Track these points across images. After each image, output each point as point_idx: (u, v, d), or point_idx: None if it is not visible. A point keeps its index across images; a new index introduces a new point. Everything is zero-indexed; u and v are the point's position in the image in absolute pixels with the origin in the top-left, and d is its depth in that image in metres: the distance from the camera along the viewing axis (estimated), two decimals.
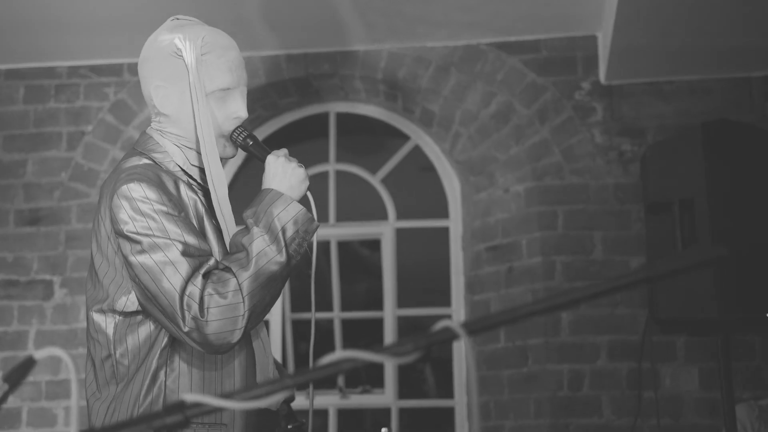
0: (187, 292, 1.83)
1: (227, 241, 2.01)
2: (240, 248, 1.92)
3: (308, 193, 2.03)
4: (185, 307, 1.83)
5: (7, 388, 1.08)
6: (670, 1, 3.42)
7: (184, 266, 1.85)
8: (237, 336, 1.86)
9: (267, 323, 4.38)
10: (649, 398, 3.81)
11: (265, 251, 1.89)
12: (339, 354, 1.08)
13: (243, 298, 1.84)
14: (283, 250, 1.90)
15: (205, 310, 1.82)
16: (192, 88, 2.00)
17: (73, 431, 0.98)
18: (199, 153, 2.05)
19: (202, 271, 1.86)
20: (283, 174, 1.98)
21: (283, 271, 1.91)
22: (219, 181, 2.01)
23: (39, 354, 1.08)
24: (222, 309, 1.83)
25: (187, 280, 1.84)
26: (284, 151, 2.05)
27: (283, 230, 1.91)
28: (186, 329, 1.83)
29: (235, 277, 1.86)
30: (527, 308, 1.09)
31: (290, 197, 1.95)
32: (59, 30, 4.06)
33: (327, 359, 1.08)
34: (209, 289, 1.84)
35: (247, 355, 2.02)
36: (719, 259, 1.10)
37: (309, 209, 1.99)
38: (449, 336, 1.08)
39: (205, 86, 2.00)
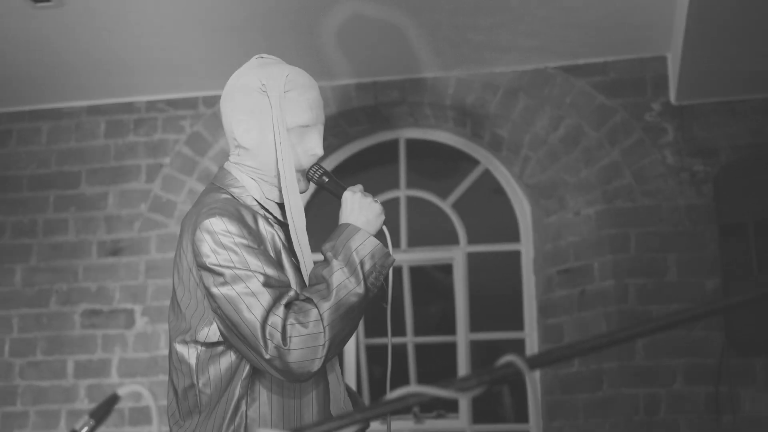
0: (269, 322, 1.88)
1: (305, 273, 2.06)
2: (320, 280, 1.97)
3: (384, 228, 2.08)
4: (268, 336, 1.87)
5: (93, 424, 1.14)
6: (739, 19, 3.39)
7: (265, 297, 1.90)
8: (317, 365, 1.90)
9: (341, 352, 4.44)
10: (727, 422, 3.75)
11: (344, 283, 1.93)
12: (406, 389, 1.12)
13: (324, 328, 1.89)
14: (362, 282, 1.95)
15: (288, 339, 1.87)
16: (275, 122, 2.06)
17: None
18: (275, 187, 2.12)
19: (284, 301, 1.91)
20: (360, 209, 2.03)
21: (362, 303, 1.96)
22: (298, 214, 2.07)
23: (123, 390, 1.14)
24: (304, 338, 1.88)
25: (269, 310, 1.89)
26: (359, 186, 2.11)
27: (362, 263, 1.95)
28: (268, 357, 1.87)
29: (317, 307, 1.91)
30: (588, 343, 1.12)
31: (367, 232, 2.01)
32: (137, 66, 4.21)
33: (395, 394, 1.12)
34: (291, 319, 1.89)
35: (323, 386, 2.07)
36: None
37: (385, 243, 2.04)
38: (512, 371, 1.11)
39: (286, 122, 2.07)
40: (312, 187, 2.17)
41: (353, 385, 4.38)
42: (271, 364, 1.88)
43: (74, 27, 3.83)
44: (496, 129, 4.37)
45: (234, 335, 1.93)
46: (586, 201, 4.18)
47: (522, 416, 4.42)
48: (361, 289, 1.95)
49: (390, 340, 2.14)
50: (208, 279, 1.95)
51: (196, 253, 1.97)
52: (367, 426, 2.36)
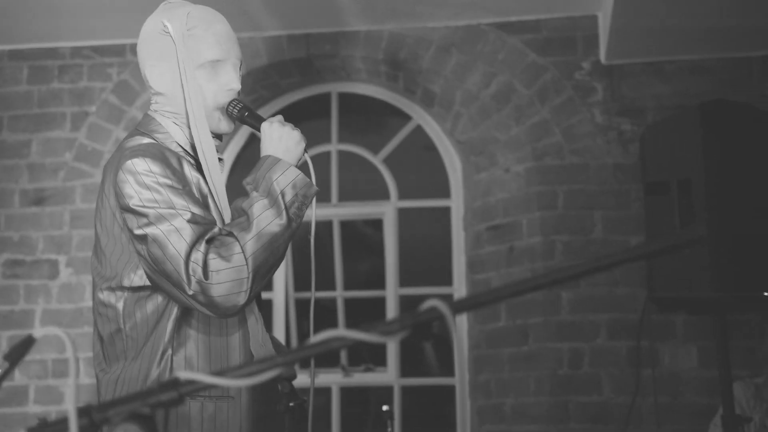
0: (192, 258, 1.86)
1: (222, 212, 2.04)
2: (241, 213, 1.96)
3: (306, 156, 2.06)
4: (191, 272, 1.86)
5: (8, 367, 1.11)
6: None
7: (188, 233, 1.88)
8: (243, 298, 1.89)
9: (269, 302, 4.43)
10: (647, 376, 3.85)
11: (265, 214, 1.92)
12: (328, 333, 1.11)
13: (246, 260, 1.88)
14: (284, 212, 1.93)
15: (210, 273, 1.85)
16: (179, 61, 2.03)
17: (71, 408, 1.02)
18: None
19: (207, 237, 1.89)
20: (279, 139, 2.01)
21: (285, 233, 1.94)
22: (210, 152, 2.04)
23: (38, 332, 1.12)
24: (226, 272, 1.86)
25: (192, 246, 1.87)
26: (279, 117, 2.09)
27: (282, 194, 1.94)
28: (191, 292, 1.86)
29: (237, 240, 1.89)
30: (508, 289, 1.12)
31: (287, 162, 1.99)
32: (62, 11, 4.09)
33: (317, 338, 1.12)
34: (212, 254, 1.87)
35: (243, 330, 2.06)
36: (699, 240, 1.13)
37: (308, 173, 2.02)
38: (436, 315, 1.11)
39: (194, 60, 2.04)
40: (243, 135, 2.14)
41: (282, 340, 4.37)
42: (196, 299, 1.87)
43: None
44: (428, 84, 4.37)
45: (158, 274, 1.91)
46: (515, 158, 4.21)
47: (448, 370, 4.47)
48: (283, 219, 1.93)
49: (313, 285, 2.13)
50: (132, 221, 1.93)
51: (119, 195, 1.94)
52: (294, 376, 2.36)
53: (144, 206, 1.90)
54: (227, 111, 2.08)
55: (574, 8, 4.14)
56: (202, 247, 1.87)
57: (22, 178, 4.32)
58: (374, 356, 4.49)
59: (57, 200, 4.28)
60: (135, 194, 1.91)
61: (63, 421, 1.04)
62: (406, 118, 4.64)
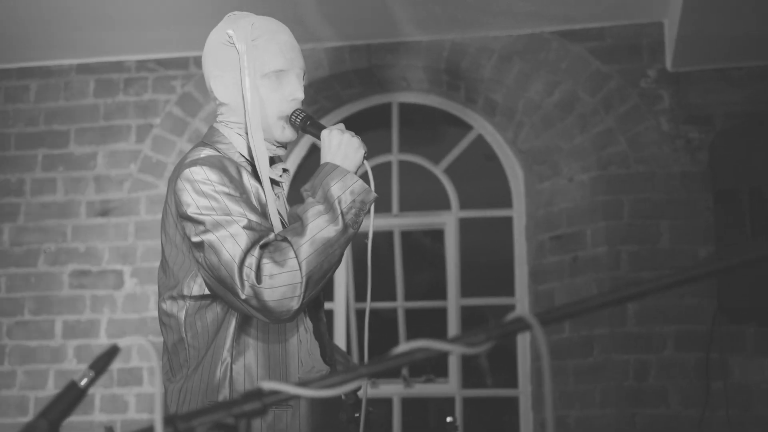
0: (246, 263, 1.86)
1: (275, 220, 2.02)
2: (295, 219, 1.95)
3: (366, 162, 2.04)
4: (244, 277, 1.85)
5: (93, 375, 1.11)
6: None
7: (243, 238, 1.88)
8: (297, 303, 1.87)
9: (330, 312, 4.43)
10: (717, 389, 3.76)
11: (320, 219, 1.91)
12: (412, 344, 1.10)
13: (299, 264, 1.87)
14: (339, 218, 1.91)
15: (263, 278, 1.85)
16: (241, 71, 2.04)
17: (157, 417, 1.02)
18: (265, 140, 2.09)
19: (261, 242, 1.89)
20: (338, 146, 2.00)
21: (340, 239, 1.92)
22: (263, 164, 2.04)
23: (123, 342, 1.12)
24: (280, 277, 1.85)
25: (246, 251, 1.87)
26: (339, 125, 2.07)
27: (339, 200, 1.92)
28: (244, 297, 1.85)
29: (291, 245, 1.88)
30: (598, 299, 1.10)
31: (345, 169, 1.97)
32: (127, 24, 4.15)
33: (400, 349, 1.10)
34: (266, 258, 1.86)
35: (299, 337, 2.05)
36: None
37: (367, 180, 2.01)
38: (522, 326, 1.09)
39: (259, 70, 2.05)
40: (306, 144, 2.14)
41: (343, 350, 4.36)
42: (249, 303, 1.86)
43: None
44: (490, 94, 4.34)
45: (215, 281, 1.91)
46: (579, 167, 4.16)
47: (510, 382, 4.43)
48: (338, 225, 1.91)
49: (369, 294, 2.09)
50: (190, 228, 1.94)
51: (178, 203, 1.95)
52: (359, 387, 2.35)
53: (201, 213, 1.91)
54: (290, 120, 2.09)
55: (639, 15, 4.09)
56: (256, 252, 1.87)
57: (88, 190, 4.39)
58: (436, 367, 4.46)
59: (122, 211, 4.34)
60: (192, 202, 1.92)
61: (149, 430, 1.04)
62: (467, 127, 4.61)
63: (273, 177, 2.12)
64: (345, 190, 1.94)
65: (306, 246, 1.88)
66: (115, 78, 4.49)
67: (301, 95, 2.09)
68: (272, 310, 1.86)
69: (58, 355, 4.26)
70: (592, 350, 4.00)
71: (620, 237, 4.01)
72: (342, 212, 1.92)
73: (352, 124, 4.63)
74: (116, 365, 4.17)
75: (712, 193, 3.67)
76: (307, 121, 2.08)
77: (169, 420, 1.05)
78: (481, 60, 4.25)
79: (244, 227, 1.89)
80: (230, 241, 1.88)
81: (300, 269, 1.87)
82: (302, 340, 2.06)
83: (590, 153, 4.12)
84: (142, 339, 1.12)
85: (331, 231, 1.91)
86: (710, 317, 3.78)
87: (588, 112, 4.13)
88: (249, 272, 1.85)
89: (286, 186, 2.24)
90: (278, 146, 2.12)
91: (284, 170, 2.16)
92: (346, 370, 1.11)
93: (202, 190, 1.92)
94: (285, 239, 1.90)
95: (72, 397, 1.13)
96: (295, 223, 1.94)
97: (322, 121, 4.55)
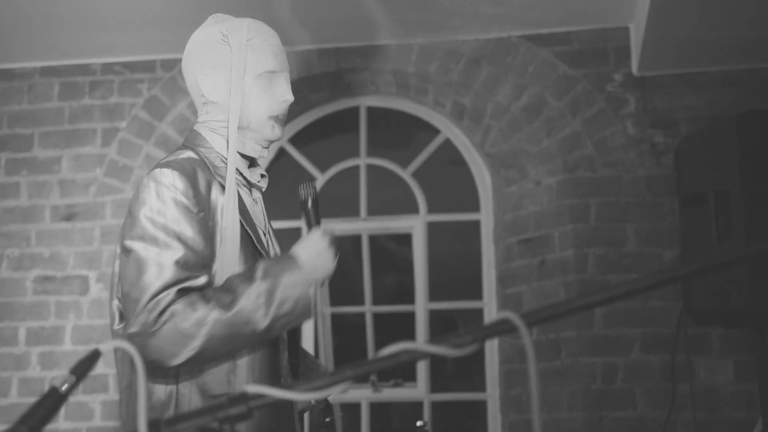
0: (157, 298, 1.80)
1: (226, 241, 1.94)
2: (231, 291, 1.86)
3: (325, 283, 2.01)
4: (145, 310, 1.79)
5: (74, 380, 1.10)
6: None
7: (168, 273, 1.82)
8: (174, 363, 1.81)
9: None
10: (683, 391, 3.80)
11: (250, 310, 1.84)
12: (398, 346, 1.09)
13: (201, 335, 1.80)
14: (268, 320, 1.86)
15: (160, 323, 1.79)
16: (233, 70, 2.02)
17: (141, 422, 1.00)
18: (248, 138, 2.07)
19: (184, 285, 1.83)
20: (317, 254, 1.96)
21: (253, 337, 1.87)
22: (233, 161, 2.00)
23: (104, 346, 1.10)
24: (175, 332, 1.79)
25: (164, 288, 1.81)
26: (333, 230, 2.03)
27: (280, 304, 1.87)
28: (132, 330, 1.80)
29: (208, 311, 1.81)
30: (582, 300, 1.10)
31: (307, 280, 1.92)
32: (93, 27, 4.10)
33: (386, 351, 1.10)
34: (177, 306, 1.80)
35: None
36: (756, 255, 1.11)
37: (313, 302, 1.96)
38: (508, 328, 1.10)
39: (253, 70, 2.04)
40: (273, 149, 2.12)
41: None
42: (132, 338, 1.80)
43: None
44: (458, 98, 4.35)
45: (122, 291, 1.87)
46: (547, 171, 4.19)
47: (479, 386, 4.44)
48: (262, 326, 1.86)
49: (324, 344, 2.07)
50: (129, 227, 1.89)
51: (134, 198, 1.92)
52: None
53: (149, 218, 1.86)
54: (299, 190, 2.06)
55: (606, 20, 4.12)
56: (172, 294, 1.81)
57: (53, 194, 4.33)
58: (404, 371, 4.46)
59: (87, 216, 4.29)
60: (148, 203, 1.88)
61: None
62: (435, 131, 4.62)
63: (252, 180, 2.10)
64: (292, 297, 1.89)
65: (220, 325, 1.81)
66: (81, 81, 4.44)
67: (291, 97, 2.09)
68: (147, 357, 1.78)
69: (22, 362, 4.19)
70: (560, 353, 4.03)
71: (587, 240, 4.04)
72: (274, 317, 1.87)
73: (320, 127, 4.65)
74: None
75: (678, 196, 3.71)
76: (316, 204, 2.06)
77: (153, 424, 1.04)
78: (450, 64, 4.26)
79: (176, 261, 1.83)
80: (155, 269, 1.82)
81: (198, 338, 1.80)
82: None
83: (557, 157, 4.15)
84: (124, 344, 1.10)
85: (251, 327, 1.85)
86: (676, 319, 3.82)
87: (555, 115, 4.16)
88: (153, 310, 1.79)
89: (259, 196, 2.20)
90: (264, 147, 2.11)
91: (262, 175, 2.15)
92: (330, 372, 1.10)
93: (162, 195, 1.88)
94: (207, 299, 1.83)
95: (52, 402, 1.11)
96: (227, 295, 1.85)
97: (290, 126, 4.56)
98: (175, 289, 1.81)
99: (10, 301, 4.25)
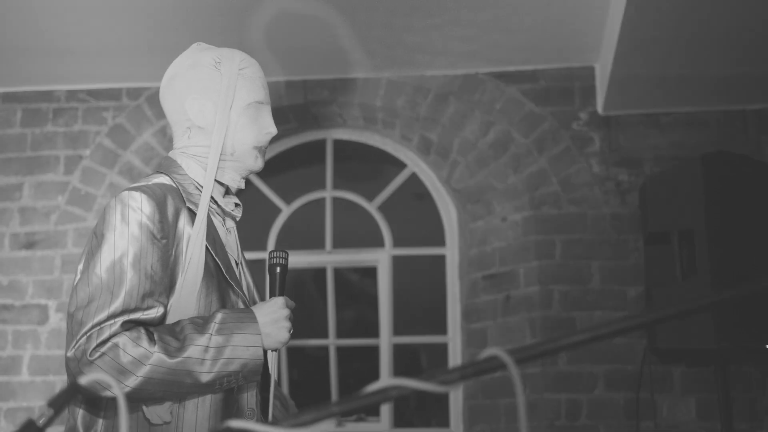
0: (100, 326, 1.77)
1: (193, 271, 1.91)
2: (180, 338, 1.83)
3: (273, 354, 1.98)
4: (86, 335, 1.76)
5: (52, 413, 1.07)
6: (670, 34, 3.46)
7: (118, 302, 1.79)
8: (107, 395, 1.77)
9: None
10: (647, 429, 3.82)
11: (195, 362, 1.81)
12: (387, 381, 1.08)
13: (139, 374, 1.76)
14: (211, 376, 1.83)
15: (97, 353, 1.75)
16: (223, 97, 2.01)
17: None
18: (226, 167, 2.05)
19: (130, 318, 1.79)
20: (275, 322, 1.92)
21: (193, 388, 1.84)
22: (207, 193, 1.98)
23: (84, 379, 1.08)
24: (112, 365, 1.75)
25: (110, 317, 1.78)
26: (292, 305, 2.00)
27: (228, 362, 1.84)
28: (70, 354, 1.77)
29: (151, 352, 1.77)
30: (571, 339, 1.10)
31: (259, 343, 1.89)
32: (58, 54, 4.06)
33: (375, 386, 1.08)
34: (120, 339, 1.76)
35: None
36: (721, 302, 1.12)
37: (264, 366, 1.95)
38: (496, 364, 1.09)
39: (243, 98, 2.03)
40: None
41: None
42: (68, 363, 1.77)
43: None
44: (425, 132, 4.37)
45: (68, 311, 1.83)
46: (513, 207, 4.21)
47: (443, 421, 4.42)
48: (203, 380, 1.83)
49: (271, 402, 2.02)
50: (89, 247, 1.87)
51: (99, 220, 1.89)
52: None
53: (111, 240, 1.83)
54: (270, 255, 2.05)
55: (572, 59, 4.18)
56: (117, 326, 1.77)
57: (12, 222, 4.26)
58: (366, 406, 4.42)
59: (48, 244, 4.22)
60: (113, 224, 1.85)
61: None
62: (401, 165, 4.63)
63: (226, 209, 2.08)
64: (241, 358, 1.86)
65: (160, 369, 1.78)
66: (44, 108, 4.39)
67: (275, 130, 2.09)
68: (80, 384, 1.74)
69: None
70: (524, 389, 4.02)
71: (552, 277, 4.06)
72: (218, 374, 1.84)
73: (286, 159, 4.64)
74: (39, 403, 4.03)
75: (643, 234, 3.74)
76: (285, 272, 2.04)
77: None
78: (417, 99, 4.28)
79: (128, 291, 1.80)
80: (105, 296, 1.79)
81: (136, 377, 1.76)
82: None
83: (523, 193, 4.17)
84: (108, 377, 1.07)
85: (192, 379, 1.82)
86: (639, 357, 3.84)
87: (521, 152, 4.19)
88: (94, 337, 1.76)
89: (232, 225, 2.17)
90: (242, 177, 2.09)
91: (236, 204, 2.13)
92: (317, 408, 1.08)
93: (128, 217, 1.85)
94: (153, 340, 1.79)
95: None
96: (176, 340, 1.82)
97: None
98: (121, 319, 1.78)
99: None
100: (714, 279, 3.25)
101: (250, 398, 1.99)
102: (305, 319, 4.48)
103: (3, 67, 4.19)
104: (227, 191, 2.13)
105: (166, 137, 4.27)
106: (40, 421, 1.07)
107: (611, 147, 4.14)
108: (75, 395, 1.08)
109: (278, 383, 2.37)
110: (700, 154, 3.44)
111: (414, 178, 4.63)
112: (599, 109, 4.17)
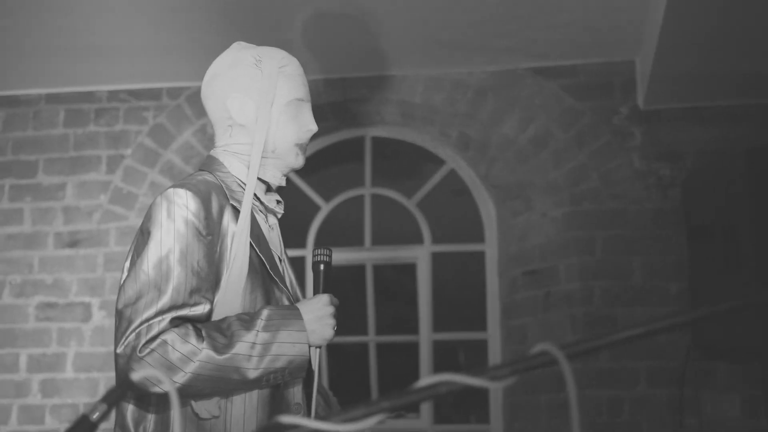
0: (149, 322, 1.78)
1: (240, 266, 1.92)
2: (228, 334, 1.84)
3: (318, 350, 1.98)
4: (135, 332, 1.77)
5: (105, 409, 1.08)
6: (712, 27, 3.42)
7: (166, 299, 1.80)
8: (156, 390, 1.77)
9: None
10: (690, 425, 3.78)
11: (242, 358, 1.82)
12: (437, 377, 1.08)
13: (187, 371, 1.78)
14: (258, 372, 1.85)
15: (147, 350, 1.76)
16: (264, 95, 2.02)
17: None
18: (269, 165, 2.06)
19: (179, 314, 1.81)
20: (319, 319, 1.93)
21: (241, 385, 1.85)
22: (251, 188, 1.99)
23: (136, 376, 1.09)
24: (161, 362, 1.76)
25: (158, 314, 1.79)
26: (337, 302, 2.00)
27: (274, 358, 1.86)
28: (119, 350, 1.78)
29: (199, 349, 1.79)
30: (626, 333, 1.09)
31: (305, 340, 1.90)
32: (99, 55, 4.11)
33: (424, 382, 1.08)
34: (168, 336, 1.78)
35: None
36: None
37: (309, 362, 1.94)
38: (547, 360, 1.08)
39: (283, 96, 2.04)
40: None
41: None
42: (117, 359, 1.78)
43: (33, 12, 3.72)
44: (464, 129, 4.36)
45: (117, 307, 1.84)
46: (552, 203, 4.19)
47: (483, 417, 4.41)
48: (251, 376, 1.84)
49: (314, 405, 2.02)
50: (135, 244, 1.89)
51: (146, 216, 1.90)
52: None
53: (158, 236, 1.85)
54: (314, 253, 2.05)
55: (612, 54, 4.14)
56: (166, 322, 1.79)
57: (56, 221, 4.31)
58: (415, 402, 4.42)
59: (91, 243, 4.27)
60: (159, 221, 1.86)
61: None
62: (440, 162, 4.62)
63: (269, 206, 2.09)
64: (287, 354, 1.87)
65: (208, 366, 1.79)
66: (86, 108, 4.44)
67: (315, 127, 2.10)
68: (128, 379, 1.74)
69: (22, 389, 4.15)
70: (565, 385, 3.99)
71: (593, 273, 4.03)
72: (265, 370, 1.85)
73: (325, 157, 4.65)
74: (83, 399, 4.08)
75: (686, 229, 3.70)
76: (329, 269, 2.04)
77: None
78: (456, 95, 4.27)
79: (176, 287, 1.81)
80: (153, 293, 1.81)
81: (184, 373, 1.77)
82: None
83: (563, 189, 4.15)
84: (158, 373, 1.08)
85: (242, 374, 1.83)
86: (681, 353, 3.80)
87: (561, 148, 4.17)
88: (143, 334, 1.77)
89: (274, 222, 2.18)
90: (284, 174, 2.10)
91: (278, 201, 2.14)
92: (367, 403, 1.08)
93: (174, 214, 1.86)
94: (201, 336, 1.80)
95: (82, 431, 1.09)
96: (222, 336, 1.83)
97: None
98: (169, 316, 1.79)
99: (11, 328, 4.22)
100: (759, 274, 3.21)
101: (296, 393, 2.00)
102: (344, 315, 4.48)
103: (46, 68, 4.25)
104: (268, 188, 2.13)
105: (206, 136, 4.30)
106: (94, 417, 1.08)
107: (652, 141, 4.10)
108: (128, 391, 1.09)
109: (320, 380, 2.37)
110: (743, 148, 3.41)
111: (453, 175, 4.62)
112: (640, 103, 4.13)
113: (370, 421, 1.07)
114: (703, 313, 1.04)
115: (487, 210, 4.54)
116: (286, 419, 1.07)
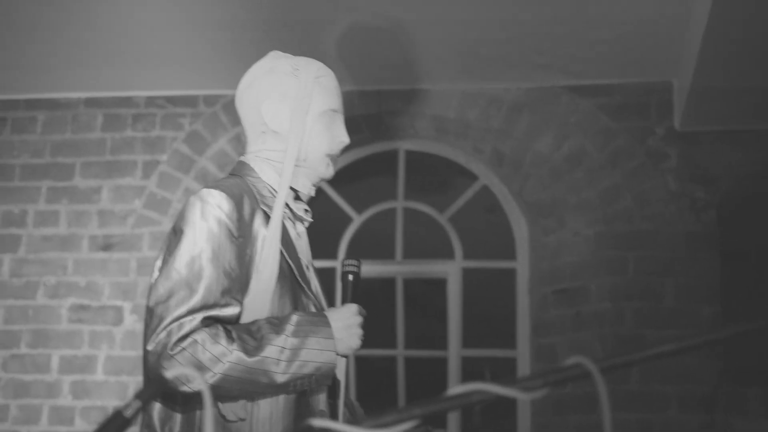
0: (180, 320, 1.78)
1: (269, 270, 1.92)
2: (258, 337, 1.84)
3: (345, 359, 1.97)
4: (167, 330, 1.77)
5: (139, 405, 1.09)
6: (751, 47, 3.40)
7: (198, 297, 1.81)
8: (185, 390, 1.76)
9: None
10: None
11: (271, 362, 1.82)
12: (469, 386, 1.08)
13: (216, 371, 1.77)
14: (286, 377, 1.84)
15: (178, 348, 1.76)
16: (299, 103, 2.03)
17: None
18: (299, 173, 2.06)
19: (210, 314, 1.81)
20: (347, 328, 1.92)
21: (267, 388, 1.85)
22: (282, 197, 1.99)
23: (170, 373, 1.10)
24: (191, 361, 1.76)
25: (190, 312, 1.79)
26: (364, 313, 1.99)
27: (302, 364, 1.85)
28: (149, 347, 1.77)
29: (230, 350, 1.79)
30: (659, 349, 1.09)
31: (334, 349, 1.89)
32: (138, 61, 4.16)
33: (457, 390, 1.08)
34: (199, 335, 1.78)
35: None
36: None
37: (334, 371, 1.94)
38: (580, 373, 1.08)
39: (318, 106, 2.05)
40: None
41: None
42: (148, 356, 1.77)
43: (75, 17, 3.78)
44: (498, 145, 4.36)
45: (147, 305, 1.84)
46: (585, 221, 4.17)
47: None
48: (279, 380, 1.83)
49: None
50: (168, 242, 1.89)
51: (179, 216, 1.91)
52: None
53: (191, 236, 1.86)
54: (343, 264, 2.05)
55: (649, 74, 4.13)
56: (197, 321, 1.79)
57: (91, 224, 4.36)
58: (433, 418, 4.41)
59: (125, 247, 4.31)
60: (192, 221, 1.87)
61: None
62: (473, 177, 4.62)
63: (298, 213, 2.09)
64: (315, 361, 1.87)
65: (238, 367, 1.79)
66: (123, 113, 4.49)
67: (347, 139, 2.12)
68: (161, 378, 1.69)
69: (53, 390, 4.19)
70: (595, 407, 3.97)
71: (624, 293, 4.00)
72: (293, 375, 1.85)
73: (358, 169, 4.66)
74: (112, 402, 4.11)
75: (720, 252, 3.67)
76: (358, 279, 2.03)
77: None
78: (491, 111, 4.27)
79: (208, 286, 1.82)
80: (185, 291, 1.81)
81: (213, 374, 1.77)
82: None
83: (596, 208, 4.13)
84: (194, 371, 1.09)
85: (268, 378, 1.83)
86: (713, 377, 3.76)
87: (595, 167, 4.15)
88: (174, 332, 1.77)
89: (302, 229, 2.18)
90: (314, 185, 2.11)
91: (306, 210, 2.14)
92: (398, 409, 1.09)
93: (207, 213, 1.87)
94: (231, 338, 1.80)
95: (116, 427, 1.10)
96: (254, 339, 1.83)
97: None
98: (201, 315, 1.79)
99: (44, 328, 4.26)
100: None
101: (321, 401, 2.00)
102: (373, 328, 4.49)
103: (86, 73, 4.30)
104: (296, 197, 2.14)
105: (240, 144, 4.33)
106: (128, 413, 1.09)
107: (687, 163, 4.07)
108: (162, 388, 1.10)
109: (347, 390, 2.37)
110: None
111: (485, 191, 4.61)
112: (676, 124, 4.10)
113: (401, 427, 1.07)
114: (737, 330, 1.03)
115: (519, 227, 4.53)
116: (317, 422, 1.07)
